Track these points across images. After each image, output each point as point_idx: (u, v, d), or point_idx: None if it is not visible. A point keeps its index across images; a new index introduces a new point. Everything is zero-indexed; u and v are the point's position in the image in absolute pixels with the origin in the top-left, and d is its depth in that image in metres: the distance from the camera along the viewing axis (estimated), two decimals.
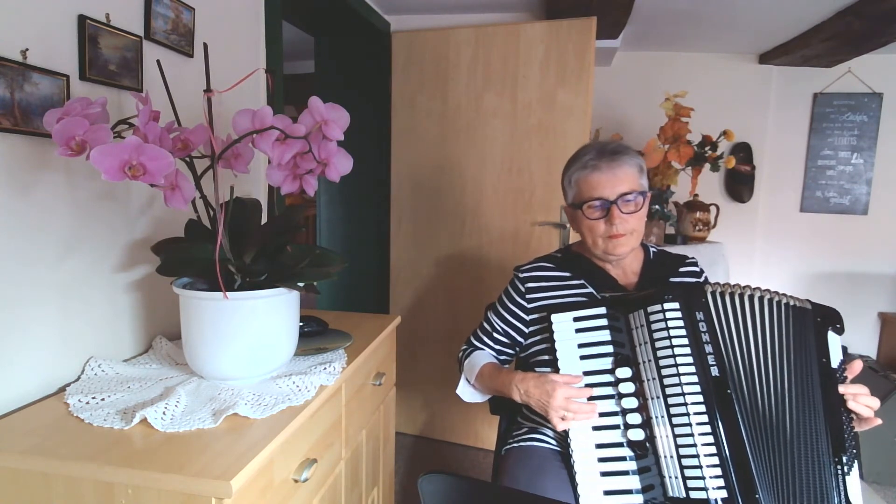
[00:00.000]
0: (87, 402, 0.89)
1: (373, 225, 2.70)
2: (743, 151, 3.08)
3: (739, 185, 3.10)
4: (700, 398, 0.94)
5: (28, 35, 0.89)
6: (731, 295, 1.00)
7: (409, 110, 2.48)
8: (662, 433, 0.95)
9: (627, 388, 1.00)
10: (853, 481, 0.92)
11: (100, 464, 0.71)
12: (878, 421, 0.95)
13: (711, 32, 2.70)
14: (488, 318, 1.31)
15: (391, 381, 1.54)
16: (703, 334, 0.97)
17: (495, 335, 1.28)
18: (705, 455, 0.91)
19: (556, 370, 1.06)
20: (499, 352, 1.29)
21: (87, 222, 1.03)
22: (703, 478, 0.91)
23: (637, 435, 0.98)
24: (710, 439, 0.91)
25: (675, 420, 0.94)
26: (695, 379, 0.94)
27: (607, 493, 0.97)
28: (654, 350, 0.98)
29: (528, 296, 1.25)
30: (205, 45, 0.91)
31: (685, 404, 0.94)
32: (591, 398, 1.02)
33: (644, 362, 1.00)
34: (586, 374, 1.04)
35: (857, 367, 0.99)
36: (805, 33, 2.56)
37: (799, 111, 3.06)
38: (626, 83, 3.13)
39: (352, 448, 1.21)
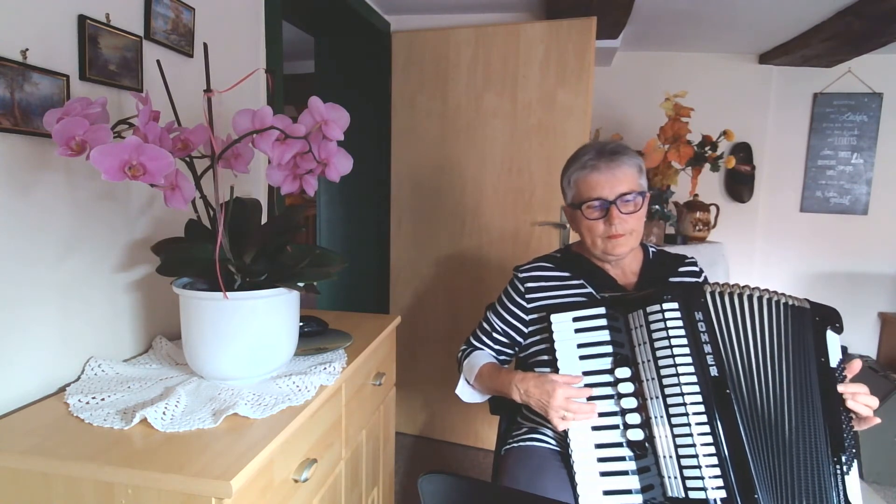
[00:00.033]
0: (87, 402, 0.89)
1: (373, 225, 2.70)
2: (743, 151, 3.08)
3: (739, 185, 3.10)
4: (699, 398, 0.94)
5: (28, 35, 0.89)
6: (730, 295, 1.00)
7: (409, 110, 2.48)
8: (662, 433, 0.95)
9: (627, 388, 1.01)
10: (852, 481, 0.92)
11: (100, 464, 0.71)
12: (878, 420, 0.95)
13: (711, 32, 2.70)
14: (488, 318, 1.31)
15: (391, 381, 1.54)
16: (702, 334, 0.97)
17: (495, 335, 1.28)
18: (704, 455, 0.91)
19: (556, 370, 1.06)
20: (498, 352, 1.29)
21: (87, 222, 1.03)
22: (702, 478, 0.91)
23: (636, 435, 0.98)
24: (709, 439, 0.92)
25: (675, 420, 0.94)
26: (694, 379, 0.95)
27: (607, 492, 0.97)
28: (654, 350, 0.99)
29: (527, 296, 1.25)
30: (205, 45, 0.91)
31: (684, 404, 0.94)
32: (590, 398, 1.02)
33: (643, 362, 1.00)
34: (586, 374, 1.04)
35: (856, 366, 1.00)
36: (805, 33, 2.56)
37: (799, 111, 3.06)
38: (626, 83, 3.13)
39: (352, 448, 1.21)
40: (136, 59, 1.11)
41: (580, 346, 1.06)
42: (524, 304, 1.25)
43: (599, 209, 1.15)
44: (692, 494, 0.91)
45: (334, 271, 1.02)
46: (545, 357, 1.18)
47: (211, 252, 0.90)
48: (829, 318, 1.00)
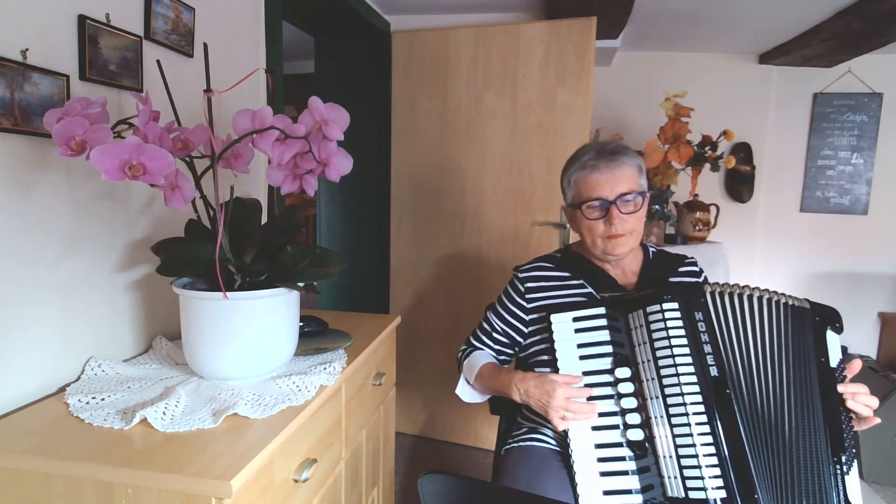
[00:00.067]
0: (87, 402, 0.89)
1: (373, 225, 2.70)
2: (743, 151, 3.08)
3: (739, 185, 3.10)
4: (699, 398, 0.94)
5: (28, 35, 0.89)
6: (730, 295, 1.00)
7: (409, 110, 2.48)
8: (661, 433, 0.95)
9: (627, 388, 1.01)
10: (852, 481, 0.92)
11: (100, 464, 0.71)
12: (878, 420, 0.95)
13: (711, 32, 2.70)
14: (488, 317, 1.31)
15: (391, 381, 1.54)
16: (701, 334, 0.97)
17: (495, 335, 1.28)
18: (704, 455, 0.91)
19: (556, 370, 1.06)
20: (498, 352, 1.29)
21: (87, 222, 1.03)
22: (702, 478, 0.91)
23: (636, 435, 0.98)
24: (709, 439, 0.92)
25: (675, 420, 0.94)
26: (694, 379, 0.95)
27: (607, 492, 0.97)
28: (653, 350, 0.98)
29: (527, 296, 1.25)
30: (205, 45, 0.91)
31: (684, 404, 0.94)
32: (590, 398, 1.02)
33: (643, 362, 1.00)
34: (586, 374, 1.04)
35: (855, 366, 1.00)
36: (805, 33, 2.56)
37: (799, 111, 3.06)
38: (626, 83, 3.13)
39: (352, 448, 1.21)
40: (136, 59, 1.11)
41: (580, 346, 1.06)
42: (524, 304, 1.25)
43: (599, 209, 1.15)
44: (692, 494, 0.91)
45: (334, 271, 1.02)
46: (545, 357, 1.18)
47: (211, 252, 0.90)
48: (829, 318, 1.00)
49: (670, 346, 0.97)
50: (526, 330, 1.26)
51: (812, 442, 0.91)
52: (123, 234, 1.11)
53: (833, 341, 0.99)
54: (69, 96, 0.96)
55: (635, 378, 1.00)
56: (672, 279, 1.24)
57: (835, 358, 0.98)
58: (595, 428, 1.02)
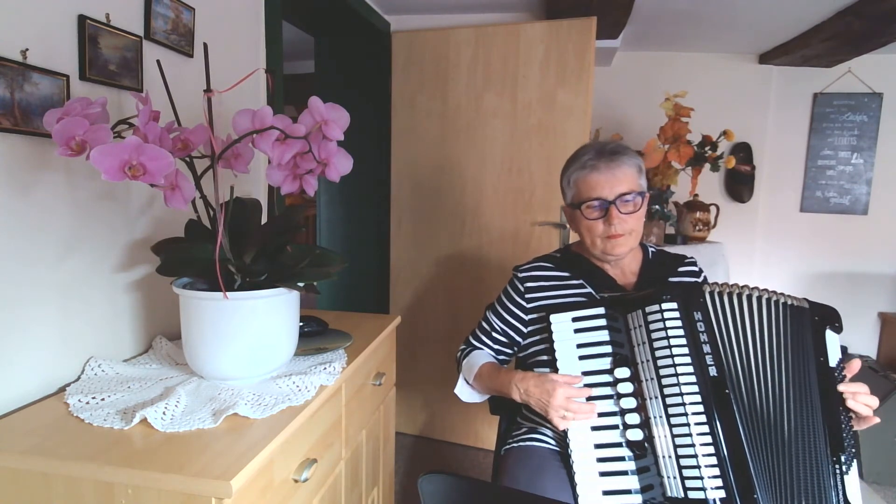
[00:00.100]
0: (87, 402, 0.89)
1: (373, 225, 2.70)
2: (743, 151, 3.08)
3: (739, 185, 3.10)
4: (698, 398, 0.94)
5: (28, 35, 0.89)
6: (730, 295, 1.00)
7: (409, 110, 2.48)
8: (661, 433, 0.95)
9: (626, 388, 1.01)
10: (852, 481, 0.92)
11: (100, 464, 0.71)
12: (877, 420, 0.95)
13: (711, 32, 2.70)
14: (487, 317, 1.31)
15: (391, 381, 1.54)
16: (701, 334, 0.97)
17: (494, 335, 1.28)
18: (703, 455, 0.91)
19: (555, 370, 1.06)
20: (497, 352, 1.29)
21: (87, 222, 1.03)
22: (701, 478, 0.91)
23: (636, 435, 0.98)
24: (709, 439, 0.92)
25: (674, 420, 0.94)
26: (693, 379, 0.95)
27: (606, 492, 0.97)
28: (653, 350, 0.99)
29: (527, 295, 1.25)
30: (205, 45, 0.91)
31: (683, 404, 0.94)
32: (589, 398, 1.02)
33: (642, 362, 1.00)
34: (585, 374, 1.04)
35: (855, 366, 1.00)
36: (805, 33, 2.56)
37: (799, 111, 3.07)
38: (626, 83, 3.13)
39: (352, 448, 1.21)
40: (136, 59, 1.11)
41: (580, 346, 1.06)
42: (524, 303, 1.25)
43: (599, 209, 1.15)
44: (691, 494, 0.91)
45: (334, 271, 1.02)
46: (545, 357, 1.18)
47: (211, 252, 0.90)
48: (829, 317, 1.00)
49: (669, 346, 0.97)
50: (525, 330, 1.26)
51: (811, 442, 0.91)
52: (123, 234, 1.12)
53: (832, 341, 0.99)
54: (69, 96, 0.96)
55: (634, 378, 1.00)
56: (671, 279, 1.24)
57: (834, 357, 0.98)
58: (594, 428, 1.02)
